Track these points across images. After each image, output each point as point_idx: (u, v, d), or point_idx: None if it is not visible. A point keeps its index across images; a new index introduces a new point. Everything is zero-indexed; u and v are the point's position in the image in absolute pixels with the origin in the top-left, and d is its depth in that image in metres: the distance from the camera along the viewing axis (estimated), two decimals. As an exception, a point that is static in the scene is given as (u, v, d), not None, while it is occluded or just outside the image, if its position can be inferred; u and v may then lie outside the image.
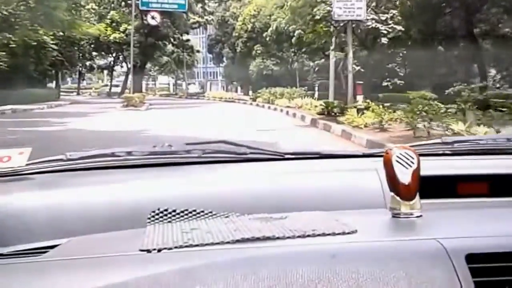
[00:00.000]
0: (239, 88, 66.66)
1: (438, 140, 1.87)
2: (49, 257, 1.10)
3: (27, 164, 1.59)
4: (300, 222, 1.18)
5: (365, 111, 15.93)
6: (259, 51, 55.59)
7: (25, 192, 1.47)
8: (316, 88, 35.24)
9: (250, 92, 43.59)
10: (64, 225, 1.29)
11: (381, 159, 1.28)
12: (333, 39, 24.08)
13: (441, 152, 1.78)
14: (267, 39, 48.66)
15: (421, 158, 1.25)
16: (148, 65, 69.10)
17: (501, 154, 1.77)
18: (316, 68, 58.86)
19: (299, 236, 1.09)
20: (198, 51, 67.44)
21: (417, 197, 1.24)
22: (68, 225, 1.29)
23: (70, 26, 30.01)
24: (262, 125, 18.54)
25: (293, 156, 1.74)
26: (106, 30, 50.55)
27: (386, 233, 1.22)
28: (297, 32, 45.12)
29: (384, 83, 27.62)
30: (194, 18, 58.23)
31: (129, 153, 1.66)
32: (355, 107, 17.01)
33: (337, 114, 18.38)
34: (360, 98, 15.93)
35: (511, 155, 1.77)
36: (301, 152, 1.79)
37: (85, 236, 1.23)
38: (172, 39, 57.91)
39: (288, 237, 1.09)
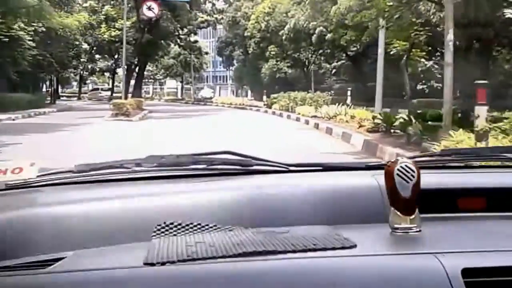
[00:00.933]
0: (249, 92, 59.95)
1: (438, 152, 1.91)
2: (55, 270, 1.10)
3: (37, 176, 1.58)
4: (301, 236, 1.18)
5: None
6: (273, 52, 48.64)
7: (35, 204, 1.46)
8: (349, 93, 28.01)
9: (264, 98, 36.50)
10: (71, 238, 1.27)
11: (383, 171, 1.26)
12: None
13: (440, 164, 1.77)
14: (283, 37, 41.66)
15: (421, 170, 1.24)
16: (152, 68, 62.29)
17: (499, 167, 1.77)
18: (333, 71, 52.59)
19: (300, 251, 1.09)
20: (206, 53, 60.75)
21: (417, 211, 1.23)
22: (74, 238, 1.27)
23: (38, 14, 23.11)
24: (294, 149, 11.69)
25: (297, 169, 1.72)
26: (91, 22, 43.34)
27: (385, 248, 1.20)
28: (318, 29, 38.81)
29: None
30: (202, 17, 51.18)
31: (137, 165, 1.62)
32: (470, 128, 9.02)
33: (421, 136, 11.22)
34: (482, 111, 7.81)
35: (508, 168, 1.78)
36: (305, 164, 1.77)
37: (91, 249, 1.22)
38: (177, 39, 50.83)
39: (289, 251, 1.09)
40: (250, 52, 53.72)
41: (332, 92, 35.50)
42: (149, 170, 1.64)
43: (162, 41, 47.71)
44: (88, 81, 73.90)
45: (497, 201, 1.47)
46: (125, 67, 30.05)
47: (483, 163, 1.81)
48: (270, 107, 33.80)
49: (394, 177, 1.22)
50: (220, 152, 1.73)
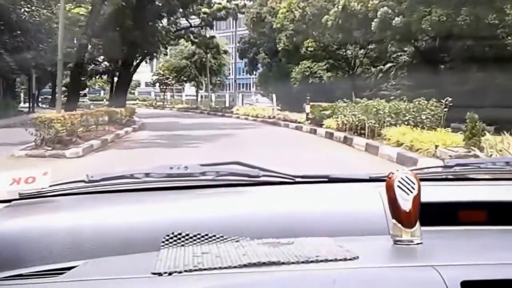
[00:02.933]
0: (274, 99, 46.59)
1: (440, 163, 1.81)
2: (66, 279, 1.10)
3: (50, 186, 1.56)
4: (305, 247, 1.17)
5: None
6: (310, 48, 34.87)
7: (47, 214, 1.44)
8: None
9: (307, 108, 22.63)
10: (82, 247, 1.27)
11: (386, 184, 1.24)
12: None
13: (443, 176, 1.73)
14: (327, 24, 27.79)
15: (422, 183, 1.23)
16: (163, 71, 48.88)
17: (500, 180, 1.73)
18: (380, 75, 39.38)
19: (303, 262, 1.09)
20: (225, 52, 47.00)
21: (418, 224, 1.21)
22: (86, 248, 1.27)
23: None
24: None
25: (303, 180, 1.70)
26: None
27: (386, 260, 1.19)
28: (381, 10, 25.71)
29: None
30: (219, 4, 37.51)
31: (147, 175, 1.60)
32: None
33: None
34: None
35: (510, 180, 1.73)
36: (310, 176, 1.74)
37: (101, 259, 1.21)
38: (189, 33, 37.11)
39: (293, 263, 1.08)
40: (280, 49, 39.98)
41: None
42: (158, 181, 1.62)
43: (159, 26, 33.39)
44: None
45: (498, 214, 1.41)
46: (61, 59, 16.23)
47: (485, 176, 1.75)
48: (320, 124, 19.95)
49: (394, 189, 1.19)
50: (228, 162, 1.70)
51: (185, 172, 1.62)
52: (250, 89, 76.64)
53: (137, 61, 38.17)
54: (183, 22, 39.98)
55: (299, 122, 23.58)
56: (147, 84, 65.67)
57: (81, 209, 1.48)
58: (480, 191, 1.60)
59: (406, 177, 1.20)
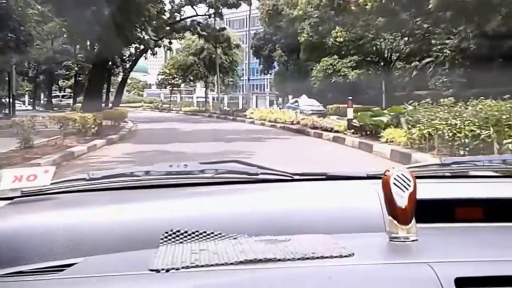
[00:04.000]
0: (289, 100, 40.47)
1: (437, 161, 1.77)
2: (66, 275, 1.10)
3: (51, 183, 1.56)
4: (301, 244, 1.17)
5: None
6: (339, 38, 28.09)
7: (48, 212, 1.44)
8: None
9: (349, 112, 15.77)
10: (82, 245, 1.27)
11: (382, 181, 1.23)
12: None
13: (439, 174, 1.72)
14: (367, 6, 21.08)
15: (418, 180, 1.22)
16: (166, 68, 42.19)
17: (497, 177, 1.74)
18: (414, 73, 33.14)
19: (299, 259, 1.08)
20: (237, 46, 40.05)
21: (413, 221, 1.20)
22: (86, 245, 1.27)
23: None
24: None
25: (300, 177, 1.71)
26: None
27: (381, 257, 1.18)
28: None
29: None
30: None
31: (147, 173, 1.61)
32: None
33: None
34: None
35: (507, 178, 1.75)
36: (308, 173, 1.75)
37: (100, 256, 1.21)
38: (196, 25, 30.37)
39: (289, 259, 1.08)
40: (301, 42, 33.30)
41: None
42: (158, 178, 1.62)
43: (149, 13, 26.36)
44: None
45: (494, 211, 1.41)
46: None
47: (481, 173, 1.74)
48: (374, 136, 13.12)
49: (390, 186, 1.19)
50: (227, 161, 1.70)
51: (185, 170, 1.62)
52: (264, 90, 70.37)
53: (132, 57, 31.64)
54: (188, 11, 33.35)
55: (336, 131, 16.71)
56: (157, 86, 59.15)
57: (81, 207, 1.47)
58: (477, 188, 1.57)
59: (402, 174, 1.19)
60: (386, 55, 32.11)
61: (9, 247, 1.25)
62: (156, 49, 36.97)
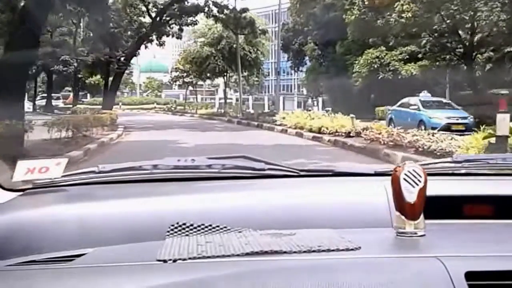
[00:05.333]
0: (319, 103, 37.97)
1: (449, 159, 1.75)
2: (76, 265, 1.12)
3: (62, 176, 1.56)
4: (307, 238, 1.16)
5: None
6: (406, 12, 19.47)
7: (59, 203, 1.46)
8: None
9: (503, 127, 6.82)
10: (92, 236, 1.27)
11: (391, 177, 1.22)
12: None
13: (450, 171, 1.68)
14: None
15: (430, 177, 1.20)
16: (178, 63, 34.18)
17: (509, 176, 1.71)
18: (487, 66, 25.50)
19: (305, 251, 1.07)
20: (264, 33, 31.32)
21: (422, 216, 1.18)
22: (95, 236, 1.27)
23: None
24: None
25: (307, 173, 1.67)
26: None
27: (388, 251, 1.16)
28: None
29: None
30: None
31: (155, 167, 1.59)
32: None
33: None
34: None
35: None
36: (315, 170, 1.73)
37: (109, 247, 1.22)
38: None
39: (295, 252, 1.07)
40: (349, 22, 24.94)
41: None
42: (166, 172, 1.60)
43: None
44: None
45: (504, 208, 1.38)
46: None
47: (494, 172, 1.69)
48: None
49: (400, 181, 1.17)
50: (234, 156, 1.69)
51: (192, 164, 1.60)
52: (292, 91, 62.48)
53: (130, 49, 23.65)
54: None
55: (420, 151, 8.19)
56: (168, 85, 51.21)
57: (91, 199, 1.48)
58: (487, 185, 1.55)
59: (413, 170, 1.17)
60: (464, 43, 23.50)
61: (21, 237, 1.25)
62: (167, 39, 28.94)
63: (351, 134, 14.04)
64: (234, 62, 33.20)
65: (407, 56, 29.50)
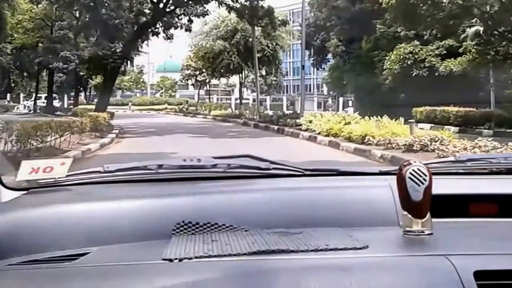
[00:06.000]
0: (341, 104, 35.58)
1: (452, 158, 1.75)
2: (80, 264, 1.10)
3: (67, 175, 1.55)
4: (314, 237, 1.15)
5: None
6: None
7: (63, 202, 1.43)
8: None
9: None
10: (96, 235, 1.25)
11: (397, 176, 1.20)
12: None
13: (454, 170, 1.66)
14: None
15: (434, 176, 1.19)
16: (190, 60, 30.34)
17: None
18: None
19: (312, 250, 1.06)
20: (284, 24, 27.03)
21: (428, 215, 1.17)
22: (99, 235, 1.25)
23: None
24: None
25: (312, 173, 1.65)
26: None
27: (396, 250, 1.15)
28: None
29: None
30: None
31: (160, 167, 1.57)
32: None
33: None
34: None
35: None
36: (320, 169, 1.69)
37: (114, 245, 1.21)
38: None
39: (302, 251, 1.06)
40: (388, 7, 20.89)
41: None
42: (171, 172, 1.58)
43: None
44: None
45: (509, 207, 1.36)
46: None
47: (497, 170, 1.66)
48: None
49: (406, 180, 1.16)
50: (240, 156, 1.67)
51: (197, 164, 1.58)
52: (311, 90, 58.38)
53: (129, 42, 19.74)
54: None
55: None
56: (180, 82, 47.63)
57: (96, 198, 1.45)
58: (492, 184, 1.52)
59: (418, 169, 1.16)
60: None
61: (25, 236, 1.23)
62: (180, 34, 25.00)
63: (415, 148, 9.90)
64: (250, 58, 29.10)
65: (445, 51, 26.26)
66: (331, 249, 1.06)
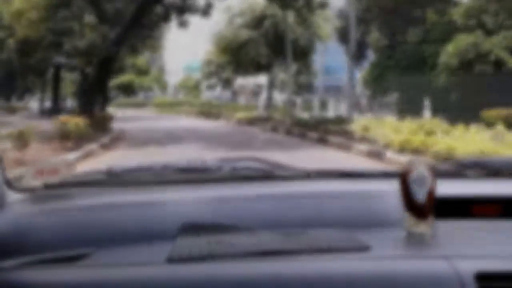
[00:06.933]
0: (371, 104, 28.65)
1: (456, 160, 1.78)
2: (84, 264, 1.11)
3: (72, 176, 1.58)
4: (318, 238, 1.15)
5: None
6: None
7: (68, 203, 1.44)
8: None
9: None
10: (101, 236, 1.25)
11: (400, 177, 1.22)
12: None
13: (457, 172, 1.65)
14: None
15: (437, 178, 1.20)
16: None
17: None
18: None
19: (315, 251, 1.06)
20: (323, 5, 21.47)
21: (431, 216, 1.19)
22: (104, 236, 1.25)
23: None
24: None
25: (316, 175, 1.65)
26: None
27: (398, 251, 1.14)
28: None
29: None
30: None
31: (165, 168, 1.60)
32: None
33: None
34: None
35: None
36: (324, 171, 1.69)
37: (118, 246, 1.20)
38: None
39: (305, 252, 1.06)
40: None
41: None
42: (176, 174, 1.59)
43: None
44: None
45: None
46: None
47: (501, 173, 1.63)
48: None
49: (409, 182, 1.17)
50: (244, 158, 1.69)
51: (203, 166, 1.60)
52: (342, 91, 53.14)
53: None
54: None
55: None
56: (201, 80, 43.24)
57: (100, 199, 1.44)
58: (495, 186, 1.49)
59: (422, 171, 1.17)
60: None
61: (30, 236, 1.23)
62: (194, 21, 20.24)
63: None
64: (281, 50, 23.87)
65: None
66: (334, 250, 1.06)
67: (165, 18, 20.64)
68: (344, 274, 0.97)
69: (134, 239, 1.21)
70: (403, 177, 1.18)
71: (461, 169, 1.65)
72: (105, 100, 23.24)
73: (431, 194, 1.16)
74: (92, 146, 11.85)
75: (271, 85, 30.95)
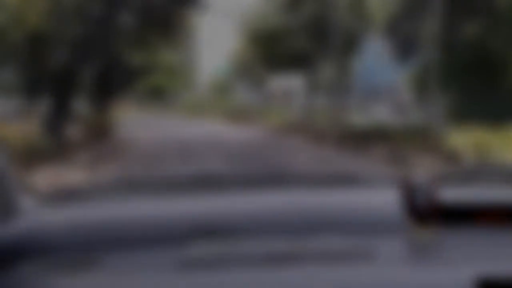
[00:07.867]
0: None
1: (461, 167, 1.85)
2: (91, 270, 1.14)
3: (85, 184, 1.30)
4: (320, 245, 1.18)
5: None
6: None
7: (79, 210, 1.48)
8: None
9: None
10: (109, 241, 1.28)
11: (403, 183, 1.26)
12: None
13: (463, 178, 1.66)
14: None
15: (441, 184, 1.23)
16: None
17: None
18: None
19: (318, 258, 1.09)
20: None
21: (434, 224, 1.20)
22: (113, 242, 1.28)
23: None
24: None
25: (317, 180, 1.71)
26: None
27: (401, 259, 1.16)
28: None
29: None
30: None
31: (175, 176, 1.83)
32: None
33: None
34: None
35: None
36: (326, 176, 1.73)
37: (126, 252, 1.23)
38: None
39: (308, 259, 1.09)
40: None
41: None
42: (185, 181, 1.65)
43: None
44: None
45: None
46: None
47: (507, 180, 1.63)
48: None
49: (412, 188, 1.19)
50: (253, 165, 2.35)
51: (209, 173, 1.86)
52: (382, 94, 48.89)
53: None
54: None
55: None
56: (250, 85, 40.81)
57: (111, 206, 1.49)
58: (500, 193, 1.48)
59: (425, 177, 1.20)
60: None
61: (43, 241, 1.27)
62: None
63: None
64: (324, 43, 19.11)
65: None
66: (335, 257, 1.08)
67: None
68: (346, 282, 0.98)
69: (144, 244, 1.22)
70: (407, 183, 1.20)
71: (467, 176, 1.64)
72: (105, 100, 19.32)
73: (434, 200, 1.17)
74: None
75: (312, 84, 26.05)
